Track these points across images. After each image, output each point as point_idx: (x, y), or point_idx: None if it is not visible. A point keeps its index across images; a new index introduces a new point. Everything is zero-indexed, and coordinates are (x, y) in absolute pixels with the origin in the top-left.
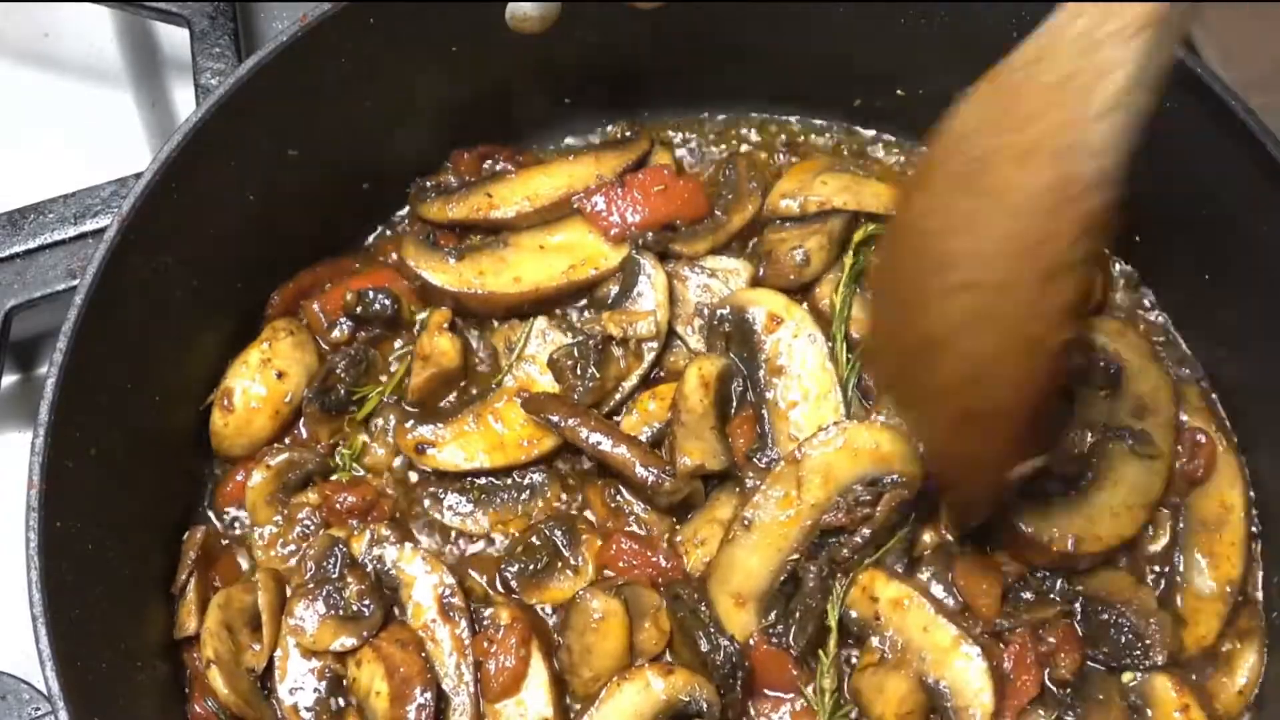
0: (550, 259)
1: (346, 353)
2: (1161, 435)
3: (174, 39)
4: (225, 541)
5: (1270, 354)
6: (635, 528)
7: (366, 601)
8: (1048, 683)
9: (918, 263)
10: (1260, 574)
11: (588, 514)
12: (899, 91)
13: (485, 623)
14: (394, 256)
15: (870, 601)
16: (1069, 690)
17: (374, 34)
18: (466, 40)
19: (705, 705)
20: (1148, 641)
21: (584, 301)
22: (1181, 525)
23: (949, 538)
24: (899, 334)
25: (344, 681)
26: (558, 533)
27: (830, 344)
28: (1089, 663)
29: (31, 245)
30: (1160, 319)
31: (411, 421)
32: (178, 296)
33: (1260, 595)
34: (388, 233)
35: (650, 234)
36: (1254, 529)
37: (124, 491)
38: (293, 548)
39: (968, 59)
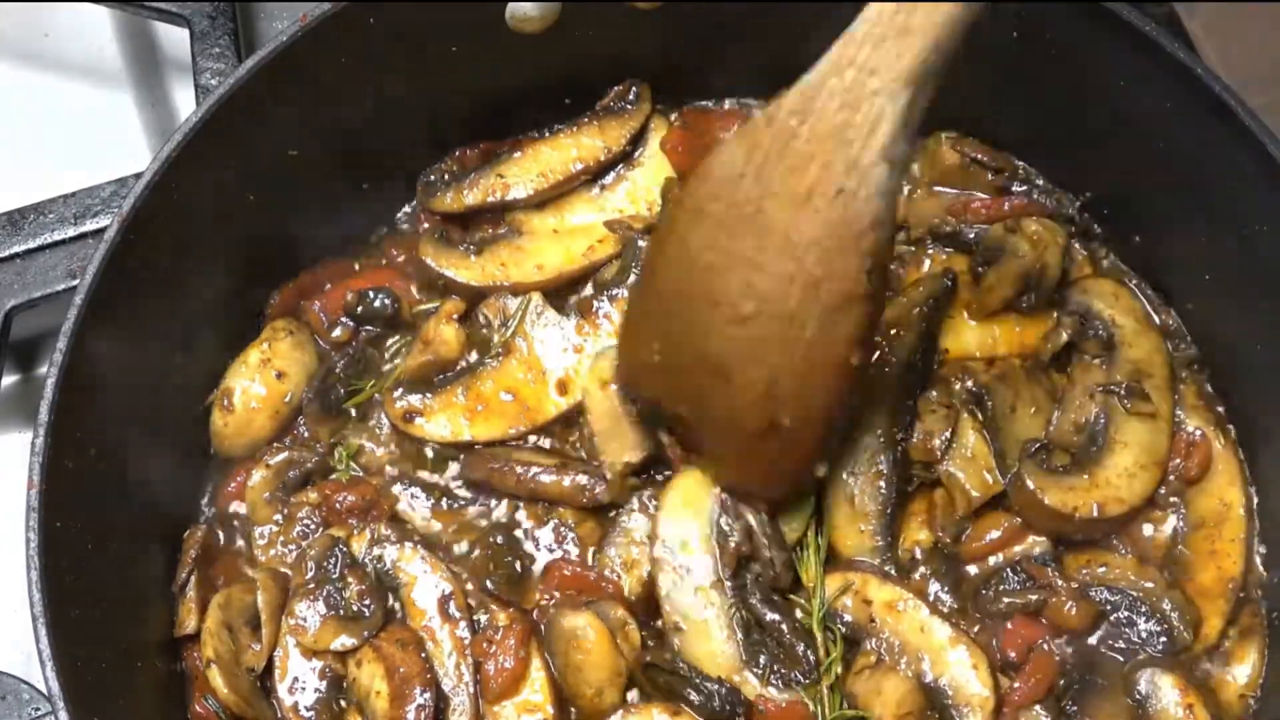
0: (568, 242)
1: (346, 352)
2: (1159, 396)
3: (174, 39)
4: (225, 541)
5: (1272, 352)
6: (568, 538)
7: (367, 601)
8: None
9: (695, 294)
10: (1261, 572)
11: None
12: None
13: (484, 624)
14: (401, 258)
15: (864, 605)
16: (1075, 686)
17: (374, 34)
18: (466, 40)
19: None
20: (1170, 623)
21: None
22: (1182, 524)
23: (944, 537)
24: (675, 357)
25: (344, 681)
26: (499, 538)
27: None
28: (1102, 650)
29: (31, 245)
30: (1160, 319)
31: (400, 390)
32: (178, 296)
33: (1261, 594)
34: (388, 232)
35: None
36: (1255, 526)
37: (124, 491)
38: (293, 547)
39: (968, 59)
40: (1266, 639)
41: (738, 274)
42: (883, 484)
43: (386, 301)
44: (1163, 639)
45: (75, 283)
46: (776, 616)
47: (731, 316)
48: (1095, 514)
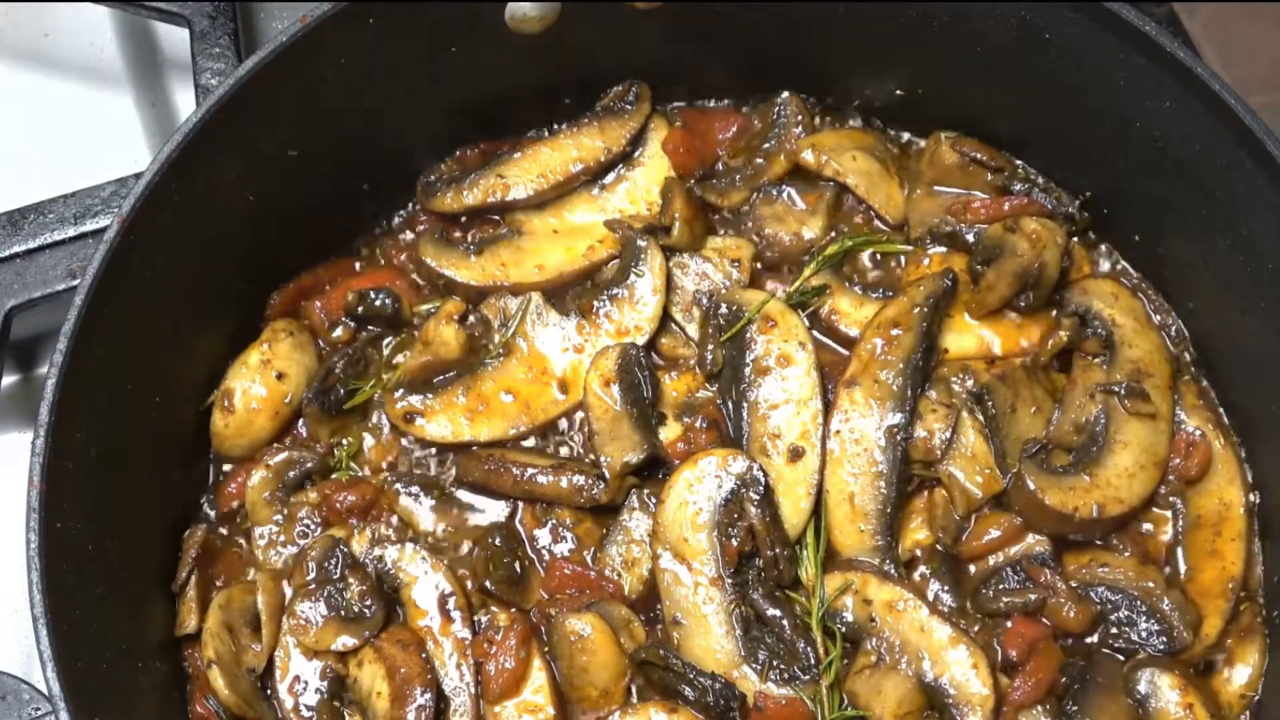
0: (567, 242)
1: (346, 353)
2: (1159, 396)
3: (174, 39)
4: (225, 541)
5: (1272, 353)
6: (566, 538)
7: (368, 602)
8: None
9: None
10: (1261, 571)
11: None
12: (898, 91)
13: (485, 624)
14: (402, 258)
15: (864, 605)
16: (1075, 686)
17: (374, 34)
18: (466, 40)
19: None
20: (1170, 623)
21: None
22: (1182, 524)
23: (944, 537)
24: None
25: (345, 681)
26: (499, 538)
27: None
28: (1103, 650)
29: (31, 245)
30: (1160, 319)
31: (400, 390)
32: (178, 296)
33: (1261, 594)
34: (388, 233)
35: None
36: (1254, 526)
37: (124, 491)
38: (293, 547)
39: (968, 59)
40: (1266, 639)
41: None
42: (883, 484)
43: (386, 301)
44: (1163, 639)
45: (75, 283)
46: (777, 612)
47: None
48: (1095, 514)
